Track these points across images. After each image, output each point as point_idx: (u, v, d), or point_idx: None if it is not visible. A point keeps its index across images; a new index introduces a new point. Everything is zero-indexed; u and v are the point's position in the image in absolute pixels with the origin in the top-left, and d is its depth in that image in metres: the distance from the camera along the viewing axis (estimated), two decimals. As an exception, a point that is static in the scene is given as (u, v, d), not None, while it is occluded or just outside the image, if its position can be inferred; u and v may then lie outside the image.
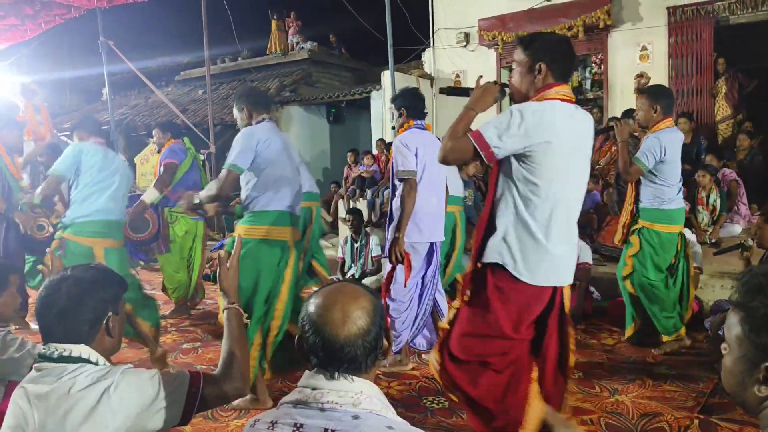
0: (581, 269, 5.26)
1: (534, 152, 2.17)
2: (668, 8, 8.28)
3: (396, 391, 3.54)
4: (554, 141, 2.16)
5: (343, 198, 9.24)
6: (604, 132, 6.81)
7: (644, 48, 8.55)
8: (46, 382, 1.49)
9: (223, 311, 1.79)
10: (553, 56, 2.28)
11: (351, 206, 8.28)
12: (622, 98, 8.70)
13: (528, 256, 2.22)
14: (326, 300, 1.28)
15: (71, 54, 15.58)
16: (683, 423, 2.98)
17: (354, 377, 1.24)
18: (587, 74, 11.17)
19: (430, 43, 10.66)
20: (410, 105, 3.80)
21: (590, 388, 3.48)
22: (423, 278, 3.83)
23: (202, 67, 11.78)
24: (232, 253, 1.86)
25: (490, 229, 2.31)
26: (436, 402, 3.34)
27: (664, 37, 8.36)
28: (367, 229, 7.31)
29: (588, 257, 5.31)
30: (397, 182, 3.71)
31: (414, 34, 10.96)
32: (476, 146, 2.16)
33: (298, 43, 13.46)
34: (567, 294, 2.41)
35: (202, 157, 5.91)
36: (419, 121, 3.79)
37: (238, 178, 3.27)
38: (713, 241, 6.07)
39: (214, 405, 1.69)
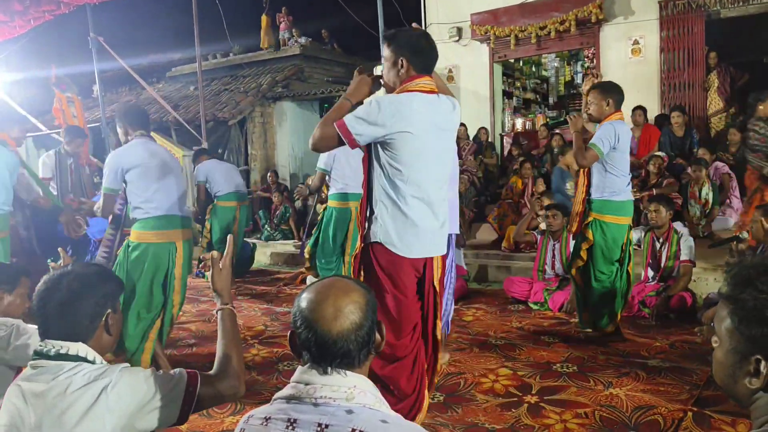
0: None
1: (393, 140, 2.38)
2: (660, 2, 8.29)
3: (390, 387, 3.53)
4: (410, 129, 2.37)
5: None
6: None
7: (636, 42, 8.56)
8: (42, 380, 1.48)
9: (217, 312, 1.79)
10: (413, 51, 2.47)
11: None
12: (614, 92, 8.69)
13: (401, 233, 2.45)
14: (318, 295, 1.27)
15: (61, 51, 15.45)
16: (677, 415, 3.00)
17: (347, 372, 1.24)
18: (579, 68, 11.19)
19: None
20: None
21: (584, 382, 3.49)
22: None
23: (193, 64, 11.73)
24: (225, 253, 1.86)
25: (370, 211, 2.55)
26: (431, 397, 3.34)
27: (656, 31, 8.38)
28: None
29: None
30: None
31: (406, 29, 10.92)
32: (340, 133, 2.37)
33: (289, 38, 13.40)
34: (437, 265, 2.62)
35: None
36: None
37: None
38: (706, 234, 6.10)
39: (210, 405, 1.69)
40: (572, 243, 5.32)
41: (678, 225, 5.58)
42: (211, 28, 12.63)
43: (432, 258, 2.58)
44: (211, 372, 1.67)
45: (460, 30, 9.93)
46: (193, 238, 5.96)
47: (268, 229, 9.35)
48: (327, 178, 5.66)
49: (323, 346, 1.23)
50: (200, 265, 7.60)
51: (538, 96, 11.75)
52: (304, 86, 12.43)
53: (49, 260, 3.39)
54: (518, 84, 11.20)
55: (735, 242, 4.06)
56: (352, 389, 1.22)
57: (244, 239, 8.41)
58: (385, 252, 2.48)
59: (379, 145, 2.44)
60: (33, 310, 1.59)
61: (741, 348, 1.09)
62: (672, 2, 8.20)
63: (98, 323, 1.57)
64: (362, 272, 2.59)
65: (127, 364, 1.60)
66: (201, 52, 10.05)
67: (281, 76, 12.41)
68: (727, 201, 6.69)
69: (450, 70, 10.08)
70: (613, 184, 3.99)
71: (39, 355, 1.53)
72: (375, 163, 2.49)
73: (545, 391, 3.40)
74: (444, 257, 2.68)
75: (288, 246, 8.80)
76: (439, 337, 2.72)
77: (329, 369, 1.24)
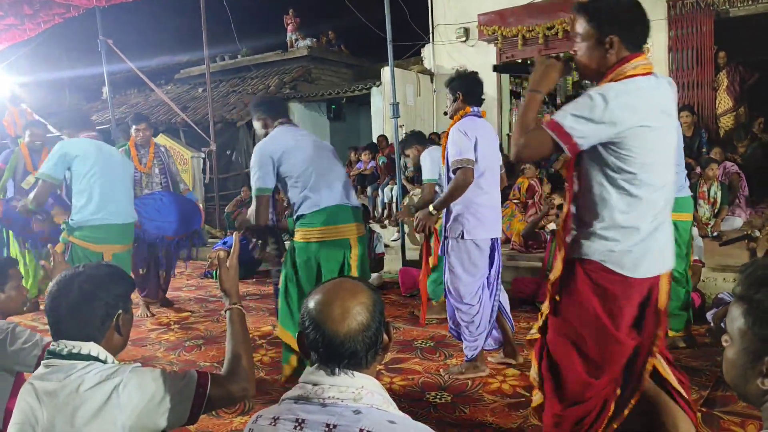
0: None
1: (624, 138, 1.92)
2: (668, 1, 8.25)
3: (398, 386, 3.54)
4: (644, 124, 1.92)
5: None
6: None
7: (644, 41, 8.52)
8: (54, 379, 1.50)
9: (225, 312, 1.79)
10: (625, 25, 1.99)
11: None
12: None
13: (627, 248, 1.99)
14: (326, 296, 1.28)
15: (70, 53, 15.57)
16: (686, 416, 2.98)
17: (355, 372, 1.25)
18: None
19: (429, 38, 10.64)
20: (468, 90, 3.55)
21: (592, 382, 3.48)
22: (488, 277, 3.62)
23: (201, 65, 11.78)
24: (231, 252, 1.85)
25: (580, 224, 2.08)
26: (438, 397, 3.35)
27: (665, 31, 8.33)
28: (370, 225, 7.30)
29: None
30: (452, 174, 3.44)
31: (413, 30, 10.95)
32: (556, 138, 1.92)
33: (297, 39, 13.44)
34: (664, 287, 2.12)
35: None
36: (476, 108, 3.54)
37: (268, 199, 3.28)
38: (715, 234, 6.07)
39: (220, 406, 1.69)
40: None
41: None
42: (219, 30, 12.70)
43: (659, 276, 2.08)
44: (221, 372, 1.68)
45: (467, 31, 9.93)
46: (202, 238, 5.99)
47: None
48: (437, 188, 4.65)
49: (331, 346, 1.24)
50: (207, 265, 7.64)
51: (546, 96, 11.71)
52: (312, 87, 12.46)
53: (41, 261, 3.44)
54: (525, 84, 11.18)
55: (747, 241, 4.03)
56: (360, 390, 1.23)
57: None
58: (604, 273, 2.01)
59: (601, 146, 1.97)
60: (45, 310, 1.60)
61: (753, 348, 1.09)
62: (680, 1, 8.16)
63: (109, 324, 1.59)
64: (560, 295, 2.13)
65: (139, 364, 1.61)
66: (209, 54, 10.09)
67: (289, 78, 12.45)
68: (737, 201, 6.65)
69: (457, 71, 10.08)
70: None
71: (52, 354, 1.55)
72: (591, 165, 2.02)
73: (553, 391, 3.39)
74: (669, 274, 2.16)
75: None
76: (645, 382, 2.13)
77: (337, 370, 1.24)
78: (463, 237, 3.47)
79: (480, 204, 3.47)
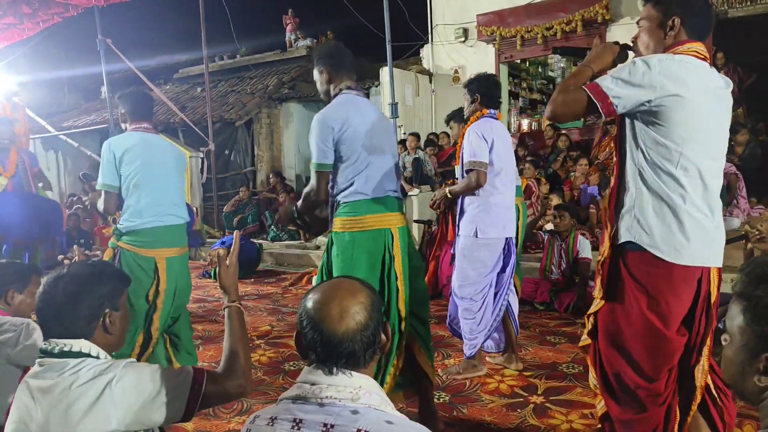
0: (582, 263, 5.28)
1: (662, 107, 1.87)
2: (667, 2, 8.25)
3: (396, 387, 3.54)
4: (685, 95, 1.86)
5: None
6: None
7: (643, 42, 8.53)
8: (48, 377, 1.50)
9: (224, 309, 1.79)
10: (691, 10, 2.00)
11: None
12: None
13: (667, 231, 1.91)
14: (324, 295, 1.28)
15: (69, 53, 15.54)
16: (683, 416, 2.98)
17: (353, 372, 1.25)
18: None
19: (428, 38, 10.65)
20: (486, 92, 3.61)
21: (590, 383, 3.48)
22: (499, 276, 3.62)
23: (200, 65, 11.78)
24: (231, 250, 1.85)
25: (619, 205, 2.02)
26: (436, 397, 3.35)
27: (663, 31, 8.34)
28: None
29: (588, 252, 5.32)
30: (465, 174, 3.52)
31: (412, 30, 10.95)
32: (592, 97, 1.89)
33: (296, 39, 13.44)
34: (714, 281, 2.00)
35: None
36: (492, 110, 3.61)
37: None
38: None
39: (216, 403, 1.69)
40: (580, 243, 5.33)
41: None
42: (218, 29, 12.70)
43: (709, 269, 1.97)
44: (218, 370, 1.67)
45: (466, 31, 9.94)
46: (200, 238, 5.89)
47: (275, 229, 9.38)
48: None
49: (329, 346, 1.24)
50: (206, 264, 7.64)
51: (544, 96, 11.73)
52: (311, 87, 12.43)
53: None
54: (524, 84, 11.19)
55: (744, 240, 4.04)
56: (358, 389, 1.23)
57: (251, 240, 8.45)
58: (643, 258, 1.93)
59: (639, 116, 1.93)
60: (36, 312, 1.61)
61: (752, 345, 1.09)
62: (679, 2, 8.16)
63: (95, 324, 1.58)
64: (601, 285, 2.05)
65: (133, 360, 1.61)
66: (208, 54, 10.10)
67: (288, 78, 12.44)
68: (734, 201, 6.66)
69: (456, 71, 10.09)
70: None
71: (44, 353, 1.56)
72: (630, 140, 1.98)
73: (551, 391, 3.39)
74: (719, 270, 2.03)
75: (294, 246, 8.83)
76: (698, 381, 2.01)
77: (335, 369, 1.24)
78: (476, 236, 3.51)
79: (494, 203, 3.51)
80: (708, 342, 2.00)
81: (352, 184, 2.77)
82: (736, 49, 8.34)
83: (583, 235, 5.60)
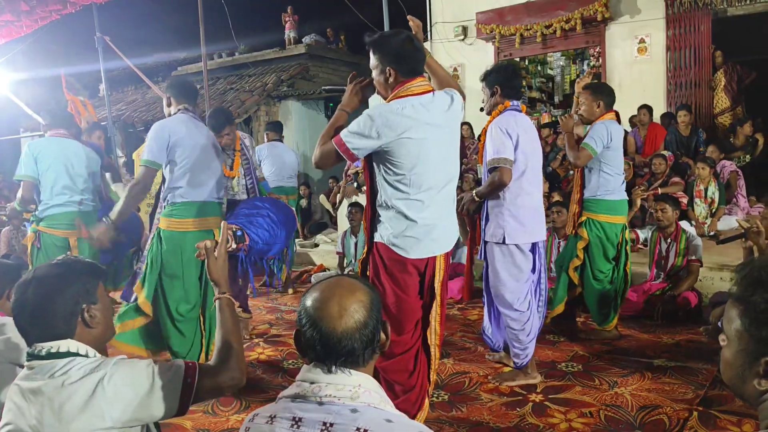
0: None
1: (390, 148, 2.38)
2: (666, 0, 8.25)
3: (395, 385, 3.53)
4: (406, 135, 2.36)
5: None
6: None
7: (642, 41, 8.53)
8: (38, 378, 1.49)
9: (215, 301, 1.78)
10: (398, 58, 2.44)
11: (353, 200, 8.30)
12: (620, 91, 8.64)
13: (402, 234, 2.47)
14: (323, 294, 1.28)
15: (67, 50, 15.51)
16: (682, 415, 2.99)
17: (352, 371, 1.25)
18: (585, 67, 11.15)
19: (427, 36, 10.63)
20: (506, 83, 3.36)
21: (589, 381, 3.48)
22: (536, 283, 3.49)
23: (198, 63, 11.74)
24: (219, 242, 1.85)
25: (374, 213, 2.57)
26: (435, 395, 3.35)
27: (662, 30, 8.33)
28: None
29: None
30: (489, 174, 3.30)
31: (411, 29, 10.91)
32: (338, 150, 2.40)
33: (295, 37, 13.41)
34: (439, 266, 2.59)
35: None
36: (515, 102, 3.36)
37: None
38: (712, 233, 6.07)
39: (210, 396, 1.68)
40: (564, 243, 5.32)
41: (685, 224, 5.56)
42: (217, 27, 12.65)
43: (434, 258, 2.56)
44: (211, 363, 1.65)
45: (465, 29, 9.91)
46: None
47: (274, 227, 9.38)
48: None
49: (328, 344, 1.23)
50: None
51: (543, 95, 11.72)
52: (310, 85, 12.44)
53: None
54: (523, 83, 11.18)
55: (744, 239, 4.03)
56: (357, 388, 1.22)
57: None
58: (387, 252, 2.51)
59: (375, 153, 2.45)
60: (13, 320, 1.59)
61: (751, 349, 1.08)
62: (678, 0, 8.16)
63: (74, 321, 1.56)
64: (368, 271, 2.62)
65: (124, 356, 1.60)
66: (206, 51, 10.04)
67: (286, 75, 12.42)
68: (734, 200, 6.66)
69: (455, 69, 10.07)
70: (607, 183, 3.97)
71: (31, 356, 1.54)
72: (375, 167, 2.51)
73: (550, 390, 3.39)
74: (447, 256, 2.62)
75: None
76: (430, 340, 2.67)
77: (334, 368, 1.24)
78: (504, 242, 3.31)
79: (520, 206, 3.30)
80: (437, 309, 2.63)
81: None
82: (735, 48, 8.33)
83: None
